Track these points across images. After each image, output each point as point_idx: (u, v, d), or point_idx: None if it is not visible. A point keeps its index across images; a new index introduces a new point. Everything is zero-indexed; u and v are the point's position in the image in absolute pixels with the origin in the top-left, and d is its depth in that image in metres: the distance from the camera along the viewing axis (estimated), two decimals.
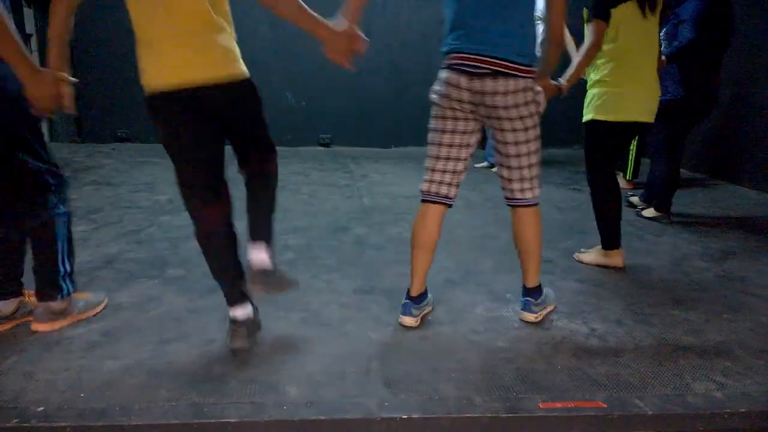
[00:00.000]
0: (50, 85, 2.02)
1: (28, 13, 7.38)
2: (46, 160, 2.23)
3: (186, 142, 2.01)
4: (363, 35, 2.05)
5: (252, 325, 2.25)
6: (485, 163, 6.28)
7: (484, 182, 5.47)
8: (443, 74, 2.29)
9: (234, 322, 2.20)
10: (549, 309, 2.63)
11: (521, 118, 2.25)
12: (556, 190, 5.19)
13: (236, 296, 2.20)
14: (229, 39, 2.03)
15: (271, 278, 2.24)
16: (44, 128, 7.68)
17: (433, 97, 2.33)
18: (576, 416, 1.90)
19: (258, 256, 2.21)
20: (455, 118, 2.31)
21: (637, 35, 3.03)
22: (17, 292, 2.39)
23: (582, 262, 3.32)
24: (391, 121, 7.29)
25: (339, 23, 2.03)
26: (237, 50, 2.06)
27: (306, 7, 1.97)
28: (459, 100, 2.25)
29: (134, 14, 1.96)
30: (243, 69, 2.07)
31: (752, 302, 2.82)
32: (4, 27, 1.97)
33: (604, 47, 3.05)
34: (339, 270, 3.10)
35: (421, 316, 2.52)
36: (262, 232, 2.25)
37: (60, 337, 2.28)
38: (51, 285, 2.32)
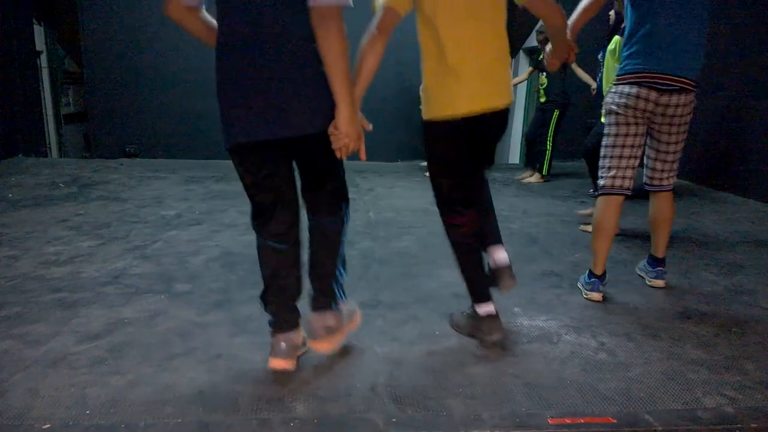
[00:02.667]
0: (359, 125, 1.99)
1: (38, 31, 7.48)
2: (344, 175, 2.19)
3: (453, 160, 2.27)
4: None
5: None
6: None
7: None
8: (632, 89, 2.73)
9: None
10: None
11: (685, 123, 2.81)
12: (562, 203, 5.18)
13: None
14: (508, 68, 2.26)
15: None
16: (53, 142, 7.80)
17: (614, 107, 2.80)
18: None
19: None
20: (636, 124, 2.79)
21: None
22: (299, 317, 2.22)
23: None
24: (397, 135, 7.31)
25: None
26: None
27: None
28: (644, 110, 2.74)
29: (444, 42, 2.11)
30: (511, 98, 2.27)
31: (762, 316, 2.79)
32: (343, 54, 1.84)
33: None
34: (345, 284, 3.08)
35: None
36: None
37: (65, 353, 2.27)
38: (327, 293, 2.21)
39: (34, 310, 2.68)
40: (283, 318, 2.14)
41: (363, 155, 2.04)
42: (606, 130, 2.88)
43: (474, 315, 2.45)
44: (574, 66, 5.80)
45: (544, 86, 6.07)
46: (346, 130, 1.90)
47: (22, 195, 5.03)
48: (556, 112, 5.97)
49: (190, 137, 7.15)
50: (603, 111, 4.01)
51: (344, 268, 2.29)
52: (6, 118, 6.67)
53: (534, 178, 6.30)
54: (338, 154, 1.97)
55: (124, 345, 2.36)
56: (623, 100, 2.75)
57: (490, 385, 2.13)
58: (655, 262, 3.12)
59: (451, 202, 2.35)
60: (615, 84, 2.81)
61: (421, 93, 2.28)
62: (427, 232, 4.15)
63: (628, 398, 2.05)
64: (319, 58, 1.86)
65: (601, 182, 2.90)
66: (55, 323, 2.54)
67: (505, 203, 5.08)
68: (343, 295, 2.29)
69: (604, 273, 2.96)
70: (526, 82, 6.78)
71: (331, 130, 1.92)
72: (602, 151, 2.90)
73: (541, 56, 5.90)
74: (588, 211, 4.49)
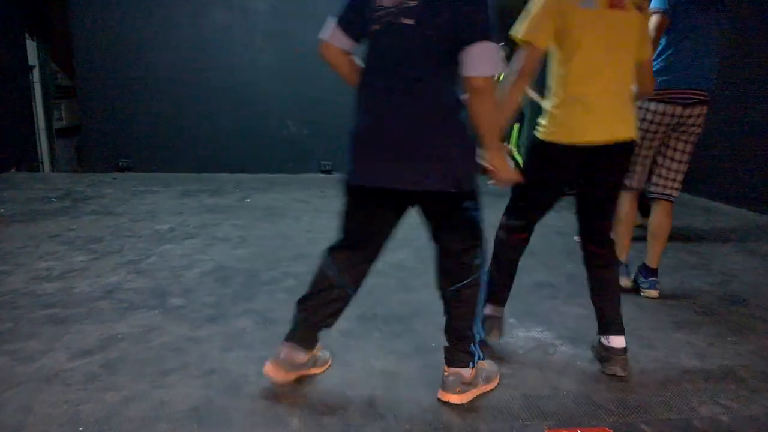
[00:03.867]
0: (508, 164, 2.06)
1: (31, 46, 7.48)
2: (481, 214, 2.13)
3: (546, 185, 2.37)
4: None
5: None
6: None
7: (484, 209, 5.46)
8: (659, 106, 2.99)
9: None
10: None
11: (696, 133, 3.10)
12: (556, 214, 5.16)
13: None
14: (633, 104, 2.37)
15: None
16: (45, 157, 7.77)
17: (640, 122, 3.00)
18: None
19: None
20: (658, 138, 3.11)
21: None
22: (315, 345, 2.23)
23: None
24: None
25: None
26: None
27: None
28: (668, 124, 3.04)
29: (583, 76, 2.20)
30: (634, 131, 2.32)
31: (756, 324, 2.80)
32: (495, 118, 1.95)
33: None
34: None
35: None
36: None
37: (58, 370, 2.25)
38: (465, 351, 2.13)
39: (26, 326, 2.66)
40: (298, 331, 2.16)
41: (521, 178, 2.14)
42: None
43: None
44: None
45: None
46: (501, 170, 2.03)
47: (14, 210, 5.00)
48: (516, 126, 6.61)
49: (184, 151, 7.13)
50: None
51: (483, 327, 2.25)
52: None
53: None
54: (501, 186, 2.12)
55: (118, 361, 2.35)
56: (650, 117, 3.03)
57: (486, 396, 2.12)
58: (649, 272, 3.20)
59: (519, 211, 2.46)
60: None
61: (545, 115, 2.32)
62: (422, 244, 4.13)
63: (624, 408, 2.05)
64: (459, 116, 1.93)
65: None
66: (48, 339, 2.52)
67: (497, 216, 5.08)
68: (480, 354, 2.18)
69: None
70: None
71: (489, 168, 2.04)
72: None
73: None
74: None
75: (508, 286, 2.51)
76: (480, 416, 1.99)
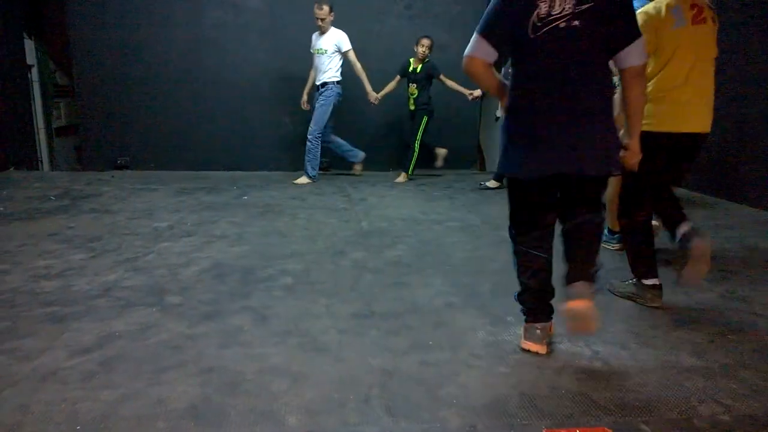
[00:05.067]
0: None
1: (29, 45, 7.46)
2: None
3: (660, 169, 2.88)
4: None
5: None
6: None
7: (480, 204, 5.47)
8: None
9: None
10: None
11: None
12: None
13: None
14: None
15: None
16: (44, 156, 7.75)
17: None
18: None
19: None
20: None
21: None
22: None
23: None
24: (388, 144, 7.31)
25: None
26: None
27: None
28: None
29: (680, 74, 2.79)
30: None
31: (756, 322, 2.79)
32: (645, 102, 2.48)
33: None
34: (337, 294, 3.08)
35: None
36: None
37: (56, 368, 2.25)
38: (588, 274, 2.30)
39: (25, 324, 2.65)
40: (540, 310, 2.44)
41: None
42: None
43: (638, 284, 3.00)
44: (443, 78, 6.38)
45: (414, 96, 6.57)
46: (637, 153, 2.43)
47: (13, 208, 4.99)
48: (425, 118, 6.52)
49: (181, 149, 7.12)
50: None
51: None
52: None
53: (401, 178, 6.68)
54: (633, 168, 2.48)
55: (116, 359, 2.34)
56: None
57: (484, 395, 2.11)
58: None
59: (638, 196, 2.96)
60: None
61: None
62: (418, 241, 4.15)
63: (623, 408, 2.05)
64: (609, 105, 2.24)
65: None
66: (46, 337, 2.51)
67: (496, 212, 5.08)
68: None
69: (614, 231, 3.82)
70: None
71: (622, 153, 2.38)
72: None
73: (411, 68, 6.49)
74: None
75: (651, 258, 3.00)
76: (477, 415, 1.99)
